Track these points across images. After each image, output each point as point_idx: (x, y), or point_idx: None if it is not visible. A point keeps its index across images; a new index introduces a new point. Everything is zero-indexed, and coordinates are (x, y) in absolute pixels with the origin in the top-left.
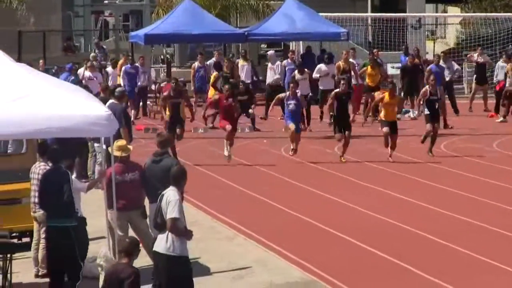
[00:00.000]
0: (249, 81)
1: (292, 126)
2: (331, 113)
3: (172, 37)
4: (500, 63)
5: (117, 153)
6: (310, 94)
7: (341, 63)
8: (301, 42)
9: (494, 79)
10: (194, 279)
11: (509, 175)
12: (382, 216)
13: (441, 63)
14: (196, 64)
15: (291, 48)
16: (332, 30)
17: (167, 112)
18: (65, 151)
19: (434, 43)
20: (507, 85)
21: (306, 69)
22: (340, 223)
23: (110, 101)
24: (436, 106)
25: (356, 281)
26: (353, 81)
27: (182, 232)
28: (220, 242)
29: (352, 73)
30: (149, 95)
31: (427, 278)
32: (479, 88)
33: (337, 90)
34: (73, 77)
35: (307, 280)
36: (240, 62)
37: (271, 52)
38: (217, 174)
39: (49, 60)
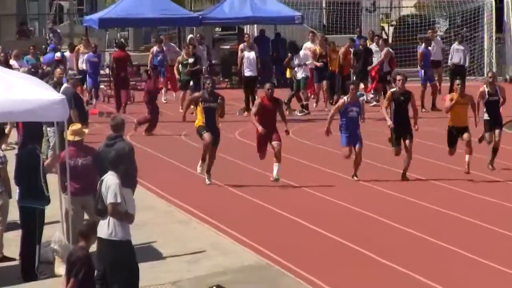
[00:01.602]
0: (205, 66)
1: (346, 151)
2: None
3: (126, 21)
4: (455, 45)
5: (70, 137)
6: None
7: (317, 48)
8: (255, 25)
9: (449, 61)
10: (150, 263)
11: None
12: (340, 201)
13: (374, 45)
14: (155, 48)
15: (245, 31)
16: (286, 13)
17: (199, 117)
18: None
19: (388, 26)
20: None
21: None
22: (295, 207)
23: (64, 85)
24: (498, 109)
25: (311, 266)
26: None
27: (123, 216)
28: (176, 226)
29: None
30: (102, 79)
31: (388, 264)
32: (433, 71)
33: (393, 89)
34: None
35: (261, 264)
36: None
37: (190, 36)
38: (171, 158)
39: (3, 44)
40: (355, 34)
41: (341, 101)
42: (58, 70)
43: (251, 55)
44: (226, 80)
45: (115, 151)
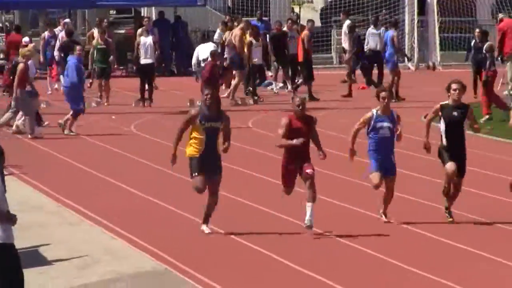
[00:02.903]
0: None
1: (376, 177)
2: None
3: (11, 3)
4: (371, 29)
5: None
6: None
7: (246, 35)
8: (153, 7)
9: (365, 47)
10: (36, 269)
11: None
12: (243, 199)
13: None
14: (46, 33)
15: (142, 14)
16: None
17: (193, 142)
18: None
19: (300, 8)
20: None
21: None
22: (194, 206)
23: None
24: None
25: (211, 270)
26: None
27: (4, 217)
28: (65, 228)
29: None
30: None
31: (291, 266)
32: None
33: (444, 102)
34: None
35: (159, 270)
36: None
37: (66, 20)
38: (60, 153)
39: None
40: (266, 17)
41: (369, 114)
42: None
43: (148, 40)
44: (121, 67)
45: None
